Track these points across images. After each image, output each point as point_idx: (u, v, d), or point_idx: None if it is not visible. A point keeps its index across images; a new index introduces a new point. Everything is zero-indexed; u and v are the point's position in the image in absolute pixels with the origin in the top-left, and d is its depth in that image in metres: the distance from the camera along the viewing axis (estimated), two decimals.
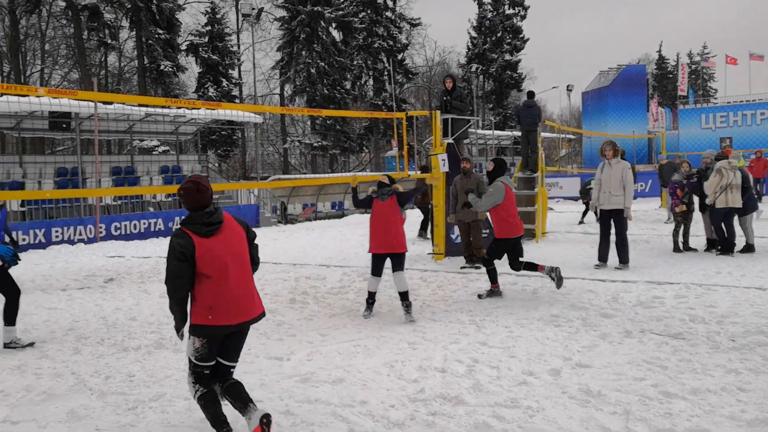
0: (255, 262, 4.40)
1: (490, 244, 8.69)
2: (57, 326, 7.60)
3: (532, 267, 8.46)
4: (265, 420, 3.94)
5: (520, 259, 8.50)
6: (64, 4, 36.22)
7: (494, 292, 8.55)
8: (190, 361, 4.19)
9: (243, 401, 4.10)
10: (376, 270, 7.72)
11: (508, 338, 6.47)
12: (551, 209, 21.23)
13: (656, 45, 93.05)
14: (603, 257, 10.65)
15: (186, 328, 4.15)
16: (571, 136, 44.94)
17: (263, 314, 4.33)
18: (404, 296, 7.49)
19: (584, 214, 18.73)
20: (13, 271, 7.15)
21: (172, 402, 4.97)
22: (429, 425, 4.42)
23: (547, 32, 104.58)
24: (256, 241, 4.46)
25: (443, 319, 7.43)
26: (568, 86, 52.45)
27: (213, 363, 4.20)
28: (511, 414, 4.52)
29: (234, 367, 4.32)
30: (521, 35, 52.19)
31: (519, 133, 16.60)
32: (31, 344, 6.72)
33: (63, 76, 44.05)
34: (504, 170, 8.63)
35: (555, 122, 34.90)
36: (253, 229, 4.44)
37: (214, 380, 4.24)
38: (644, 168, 31.23)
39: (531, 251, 12.72)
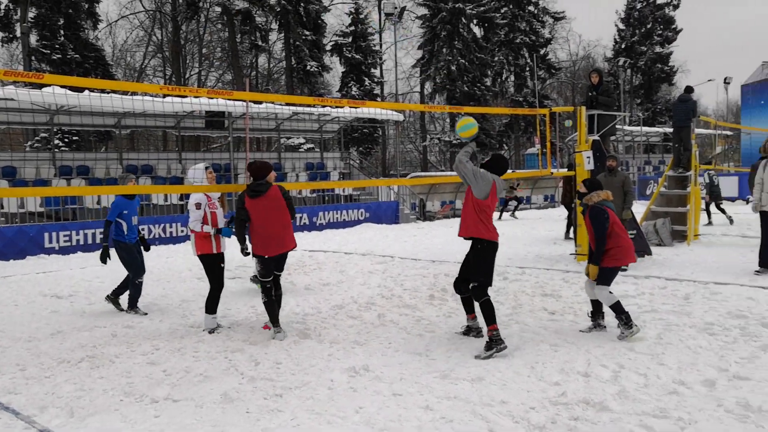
0: (292, 214, 6.86)
1: (486, 258, 6.82)
2: None
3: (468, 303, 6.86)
4: None
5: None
6: (219, 9, 38.61)
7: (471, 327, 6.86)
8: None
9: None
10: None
11: (656, 344, 6.16)
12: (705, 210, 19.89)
13: None
14: (766, 262, 9.86)
15: (248, 249, 6.77)
16: (729, 133, 41.89)
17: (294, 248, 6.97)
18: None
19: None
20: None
21: (316, 390, 5.17)
22: (571, 430, 4.30)
23: (701, 21, 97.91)
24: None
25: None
26: (725, 79, 48.98)
27: (272, 278, 6.87)
28: (660, 424, 4.30)
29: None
30: (673, 26, 49.54)
31: (669, 130, 15.71)
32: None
33: (218, 77, 46.98)
34: (499, 167, 6.50)
35: (710, 117, 32.68)
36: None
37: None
38: None
39: (682, 254, 12.04)
